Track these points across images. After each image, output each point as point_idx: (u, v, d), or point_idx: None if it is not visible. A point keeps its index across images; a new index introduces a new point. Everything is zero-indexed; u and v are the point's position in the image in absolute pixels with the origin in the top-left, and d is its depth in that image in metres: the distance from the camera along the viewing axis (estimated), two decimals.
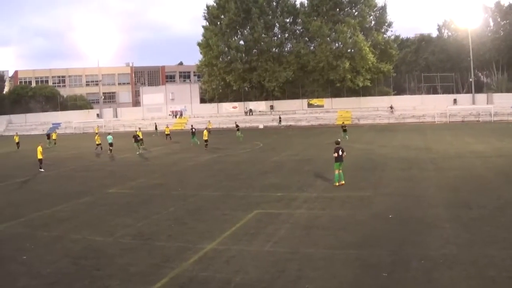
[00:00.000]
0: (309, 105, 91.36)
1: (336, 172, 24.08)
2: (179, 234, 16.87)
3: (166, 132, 63.73)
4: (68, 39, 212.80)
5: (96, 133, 58.01)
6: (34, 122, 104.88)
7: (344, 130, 51.63)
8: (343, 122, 59.32)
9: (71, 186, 29.31)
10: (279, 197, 22.17)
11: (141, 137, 49.99)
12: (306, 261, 13.39)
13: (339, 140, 26.09)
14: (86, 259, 14.58)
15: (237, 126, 65.66)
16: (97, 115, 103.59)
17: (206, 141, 47.07)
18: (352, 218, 17.70)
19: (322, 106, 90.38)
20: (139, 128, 60.84)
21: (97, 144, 51.19)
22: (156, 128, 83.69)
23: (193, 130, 55.82)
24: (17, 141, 59.20)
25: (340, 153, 24.00)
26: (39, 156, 36.18)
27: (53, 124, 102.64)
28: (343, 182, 23.99)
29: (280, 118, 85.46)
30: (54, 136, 66.68)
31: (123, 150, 47.61)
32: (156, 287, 12.00)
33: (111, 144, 47.70)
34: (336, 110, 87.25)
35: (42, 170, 35.88)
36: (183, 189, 25.82)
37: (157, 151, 48.60)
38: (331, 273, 12.39)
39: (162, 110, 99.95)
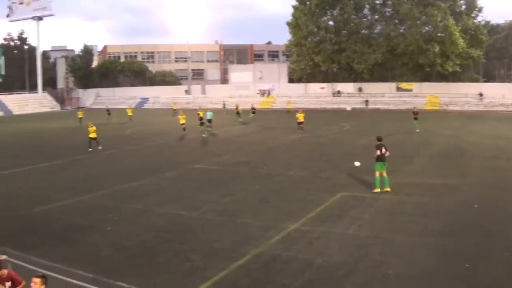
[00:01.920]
0: (398, 89, 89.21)
1: (378, 174, 19.62)
2: (263, 212, 16.97)
3: (236, 111, 58.40)
4: (155, 15, 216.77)
5: (179, 112, 51.25)
6: (122, 96, 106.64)
7: (415, 118, 43.64)
8: (414, 107, 48.70)
9: (155, 160, 29.95)
10: (365, 180, 21.74)
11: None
12: (389, 247, 13.30)
13: (380, 136, 20.89)
14: (170, 233, 14.93)
15: (253, 109, 60.34)
16: (185, 91, 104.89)
17: (301, 123, 44.53)
18: (436, 206, 17.33)
19: (411, 90, 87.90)
20: (199, 107, 56.96)
21: (181, 124, 45.39)
22: (224, 106, 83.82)
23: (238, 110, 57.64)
24: (80, 116, 59.10)
25: (384, 151, 19.72)
26: (92, 136, 34.58)
27: (141, 98, 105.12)
28: (389, 188, 19.55)
29: (367, 101, 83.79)
30: (129, 112, 65.68)
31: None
32: (238, 264, 12.10)
33: (210, 121, 48.10)
34: (425, 95, 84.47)
35: (99, 148, 34.68)
36: (269, 168, 25.86)
37: (239, 130, 48.81)
38: (413, 260, 12.27)
39: (249, 88, 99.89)
